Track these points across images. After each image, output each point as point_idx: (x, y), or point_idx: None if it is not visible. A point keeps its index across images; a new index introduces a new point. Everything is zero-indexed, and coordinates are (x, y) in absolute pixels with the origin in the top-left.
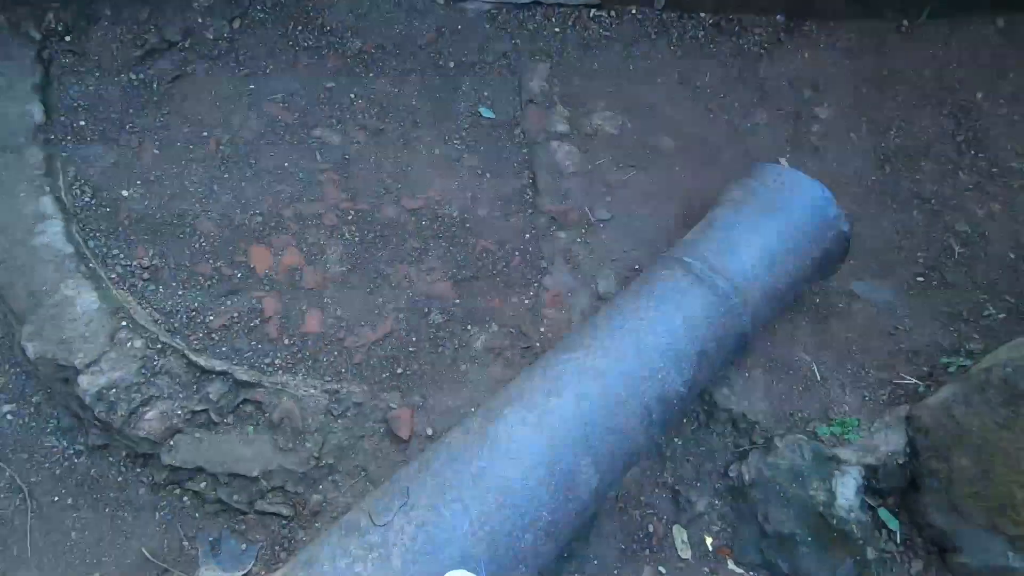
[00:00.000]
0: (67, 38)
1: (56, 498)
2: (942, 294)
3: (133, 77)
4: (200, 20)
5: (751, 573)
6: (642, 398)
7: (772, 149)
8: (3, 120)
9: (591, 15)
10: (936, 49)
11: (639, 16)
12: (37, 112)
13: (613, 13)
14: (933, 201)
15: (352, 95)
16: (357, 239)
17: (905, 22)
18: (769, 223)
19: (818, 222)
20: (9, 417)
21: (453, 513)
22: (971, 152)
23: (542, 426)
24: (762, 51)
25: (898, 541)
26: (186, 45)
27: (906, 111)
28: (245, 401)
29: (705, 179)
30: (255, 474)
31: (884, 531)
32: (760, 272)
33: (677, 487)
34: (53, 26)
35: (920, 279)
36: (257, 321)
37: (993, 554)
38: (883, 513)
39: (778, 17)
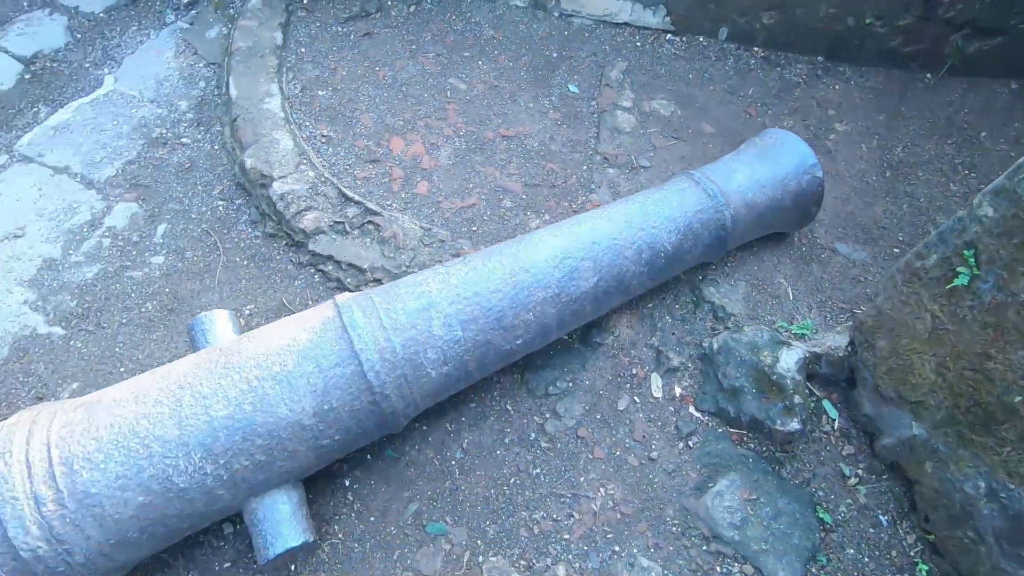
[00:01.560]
0: (304, 0)
1: (238, 259)
2: None
3: (339, 30)
4: (390, 3)
5: (705, 417)
6: (637, 240)
7: None
8: (260, 40)
9: (667, 37)
10: (952, 98)
11: (704, 43)
12: (279, 37)
13: (684, 39)
14: (922, 200)
15: (480, 62)
16: (464, 147)
17: (928, 75)
18: (759, 162)
19: (797, 164)
20: (220, 208)
21: (493, 267)
22: (965, 171)
23: (560, 236)
24: (800, 80)
25: (835, 427)
26: (377, 16)
27: (914, 137)
28: (368, 223)
29: None
30: (365, 267)
31: (826, 417)
32: (744, 189)
33: (661, 348)
34: None
35: (896, 251)
36: (387, 180)
37: (902, 428)
38: (826, 404)
39: (819, 58)
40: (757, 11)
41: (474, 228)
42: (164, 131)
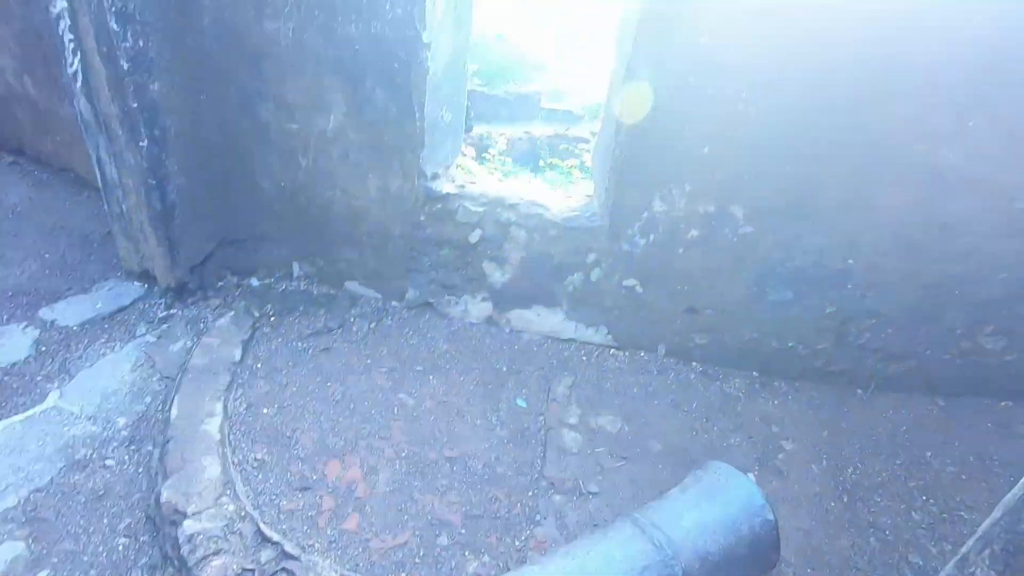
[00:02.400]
0: (272, 318)
1: None
2: None
3: (299, 345)
4: (352, 320)
5: None
6: None
7: (742, 466)
8: (218, 357)
9: (611, 352)
10: (888, 414)
11: (646, 358)
12: (237, 354)
13: (627, 353)
14: (887, 532)
15: (431, 377)
16: (404, 470)
17: (859, 391)
18: (706, 502)
19: (745, 506)
20: (120, 548)
21: None
22: (923, 497)
23: None
24: (740, 395)
25: None
26: (338, 332)
27: (862, 457)
28: (282, 570)
29: (681, 478)
30: None
31: None
32: (694, 536)
33: None
34: (268, 311)
35: None
36: (314, 512)
37: None
38: None
39: (753, 372)
40: (689, 333)
41: (402, 575)
42: (90, 452)
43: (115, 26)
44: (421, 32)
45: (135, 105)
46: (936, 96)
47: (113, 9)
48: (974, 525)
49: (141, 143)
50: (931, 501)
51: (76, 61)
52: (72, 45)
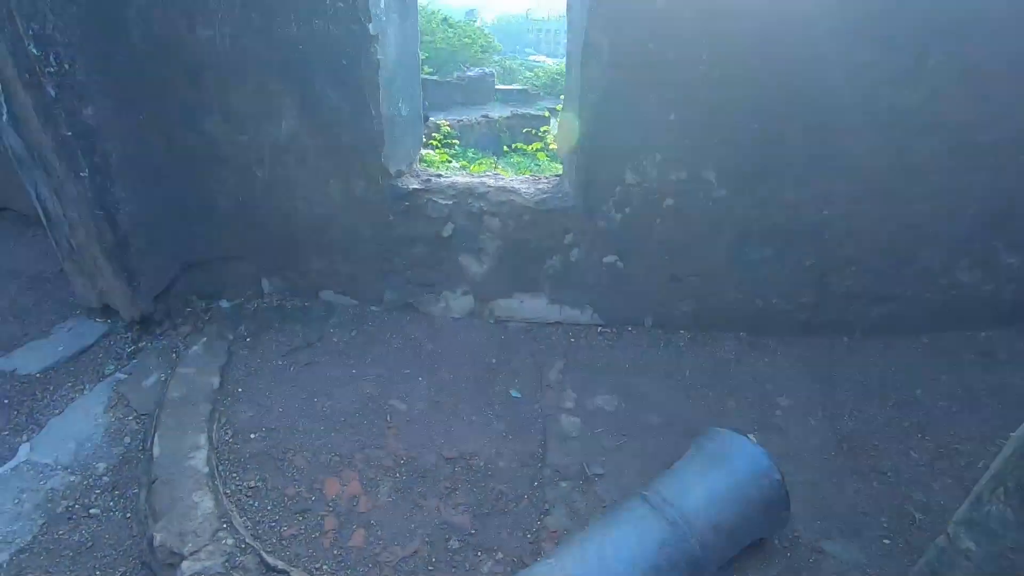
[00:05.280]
0: (247, 339)
1: None
2: (908, 558)
3: (280, 363)
4: (331, 331)
5: None
6: None
7: (741, 428)
8: (196, 386)
9: (598, 331)
10: (875, 358)
11: (633, 332)
12: (216, 381)
13: (614, 330)
14: (890, 474)
15: (420, 379)
16: (404, 477)
17: (846, 339)
18: (713, 471)
19: (752, 469)
20: None
21: None
22: (918, 435)
23: None
24: (731, 357)
25: None
26: (318, 345)
27: (856, 403)
28: None
29: (684, 448)
30: None
31: None
32: (705, 507)
33: None
34: (242, 332)
35: (886, 542)
36: (317, 534)
37: None
38: None
39: (742, 333)
40: (674, 302)
41: None
42: (72, 503)
43: (35, 50)
44: (367, 24)
45: (69, 133)
46: (893, 39)
47: (31, 32)
48: (971, 456)
49: (82, 173)
50: (927, 438)
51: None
52: None
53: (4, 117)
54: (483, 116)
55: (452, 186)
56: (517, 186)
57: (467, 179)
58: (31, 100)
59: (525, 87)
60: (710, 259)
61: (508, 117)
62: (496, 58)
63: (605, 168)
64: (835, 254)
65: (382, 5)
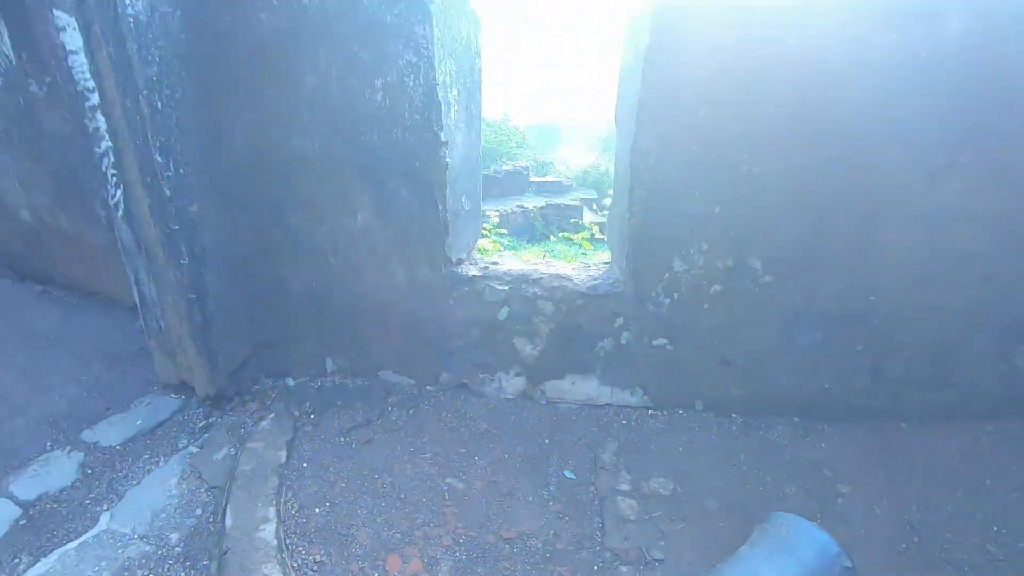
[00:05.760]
0: (312, 416)
1: None
2: None
3: (341, 440)
4: (390, 409)
5: None
6: None
7: (803, 515)
8: (264, 461)
9: (649, 413)
10: (938, 446)
11: (684, 415)
12: (283, 456)
13: (665, 412)
14: (966, 568)
15: (476, 458)
16: (465, 557)
17: (904, 424)
18: (779, 556)
19: (821, 557)
20: None
21: None
22: (993, 528)
23: None
24: (785, 442)
25: None
26: (378, 423)
27: (922, 492)
28: None
29: (744, 534)
30: None
31: None
32: None
33: None
34: (307, 409)
35: None
36: None
37: None
38: None
39: (795, 418)
40: (725, 385)
41: None
42: (147, 572)
43: (159, 158)
44: (439, 133)
45: (176, 227)
46: (925, 140)
47: (157, 144)
48: None
49: (182, 261)
50: (1003, 531)
51: (118, 193)
52: (115, 179)
53: (120, 213)
54: (518, 206)
55: (508, 273)
56: (569, 272)
57: (521, 266)
58: (148, 199)
59: (558, 179)
60: (759, 343)
61: (542, 207)
62: (529, 153)
63: (654, 256)
64: (886, 340)
65: (452, 116)
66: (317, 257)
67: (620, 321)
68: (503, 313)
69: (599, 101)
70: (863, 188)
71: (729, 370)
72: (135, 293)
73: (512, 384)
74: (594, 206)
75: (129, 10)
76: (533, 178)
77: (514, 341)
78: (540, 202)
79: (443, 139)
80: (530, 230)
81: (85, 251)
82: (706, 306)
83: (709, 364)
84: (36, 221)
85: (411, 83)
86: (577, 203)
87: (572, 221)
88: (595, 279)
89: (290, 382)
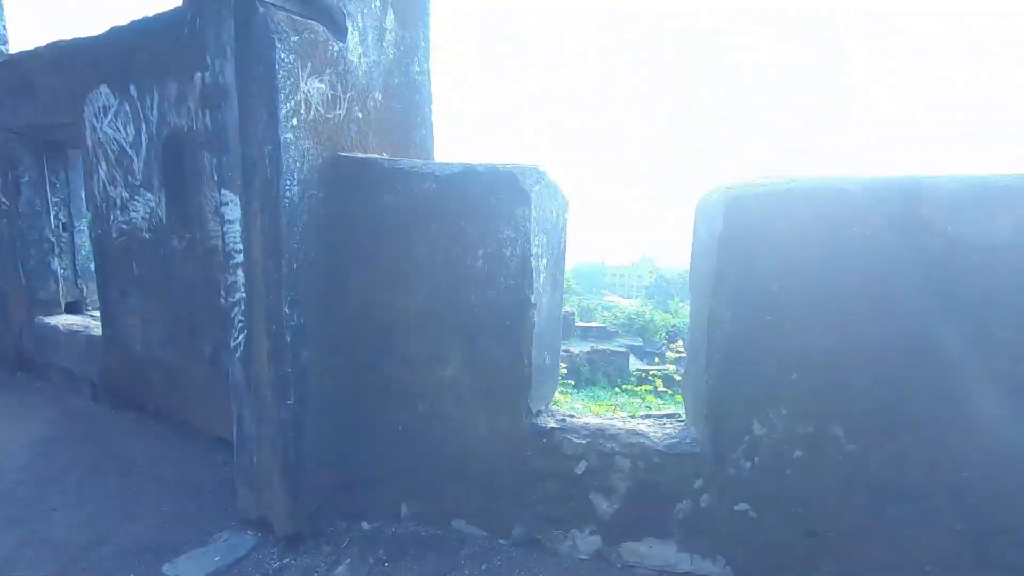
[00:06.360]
0: (386, 564)
1: None
2: None
3: None
4: (463, 562)
5: None
6: None
7: None
8: None
9: None
10: None
11: None
12: None
13: None
14: None
15: None
16: None
17: None
18: None
19: None
20: None
21: None
22: None
23: None
24: None
25: None
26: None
27: None
28: None
29: None
30: None
31: None
32: None
33: None
34: (381, 557)
35: None
36: None
37: None
38: None
39: None
40: (813, 558)
41: None
42: None
43: (287, 310)
44: (529, 296)
45: (289, 370)
46: (996, 314)
47: (288, 298)
48: None
49: (288, 401)
50: None
51: (241, 336)
52: (241, 324)
53: (238, 354)
54: (565, 351)
55: (585, 426)
56: (645, 429)
57: (598, 420)
58: (268, 343)
59: (604, 325)
60: (847, 515)
61: (588, 352)
62: (575, 298)
63: (732, 418)
64: (987, 520)
65: (540, 281)
66: (406, 403)
67: (699, 483)
68: (581, 467)
69: (644, 248)
70: (940, 360)
71: (816, 542)
72: (234, 428)
73: (586, 543)
74: (640, 353)
75: (287, 192)
76: (579, 323)
77: (590, 497)
78: (586, 347)
79: (533, 301)
80: (576, 375)
81: (182, 384)
82: (789, 472)
83: (794, 534)
84: (147, 354)
85: (508, 253)
86: (623, 350)
87: (651, 374)
88: (672, 437)
89: (364, 526)
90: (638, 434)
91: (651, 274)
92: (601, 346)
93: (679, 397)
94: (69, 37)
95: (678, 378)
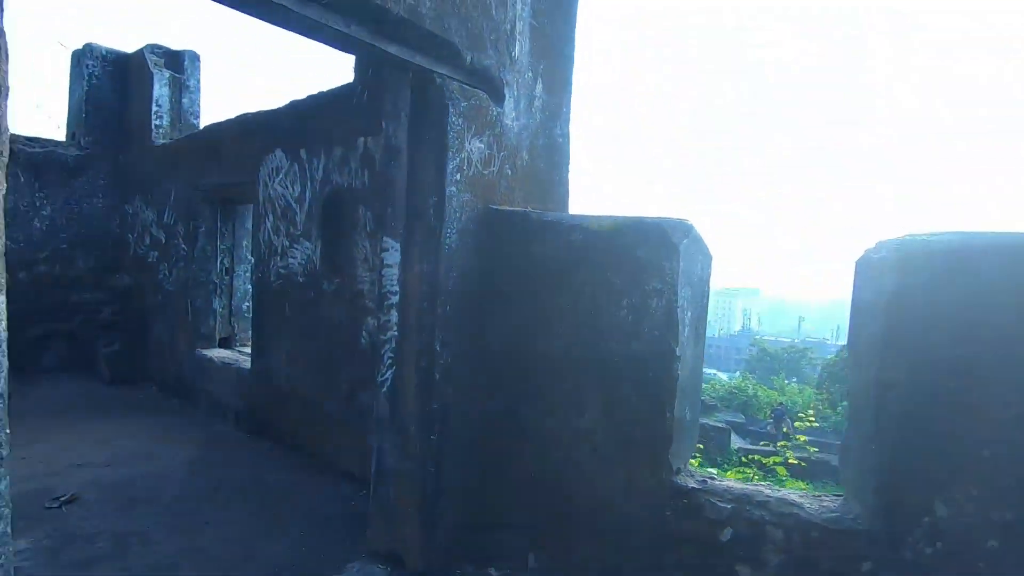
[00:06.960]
0: None
1: None
2: None
3: None
4: None
5: None
6: None
7: None
8: None
9: None
10: None
11: None
12: None
13: None
14: None
15: None
16: None
17: None
18: None
19: None
20: None
21: None
22: None
23: None
24: None
25: None
26: None
27: None
28: None
29: None
30: None
31: None
32: None
33: None
34: None
35: None
36: None
37: None
38: None
39: None
40: None
41: None
42: None
43: (438, 348)
44: (674, 348)
45: (435, 406)
46: None
47: (439, 337)
48: None
49: (432, 437)
50: None
51: (389, 373)
52: (390, 361)
53: (385, 389)
54: None
55: (729, 490)
56: (798, 500)
57: (742, 486)
58: (416, 380)
59: (703, 398)
60: None
61: None
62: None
63: (907, 496)
64: None
65: (685, 334)
66: (540, 448)
67: (868, 566)
68: (726, 534)
69: (741, 319)
70: None
71: None
72: (373, 460)
73: None
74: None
75: (447, 240)
76: None
77: (736, 568)
78: None
79: (678, 354)
80: None
81: (318, 419)
82: (982, 565)
83: None
84: (289, 389)
85: (654, 304)
86: (724, 426)
87: (778, 446)
88: (831, 511)
89: (493, 572)
90: (791, 503)
91: (751, 347)
92: (700, 421)
93: (802, 484)
94: (253, 110)
95: (794, 461)
